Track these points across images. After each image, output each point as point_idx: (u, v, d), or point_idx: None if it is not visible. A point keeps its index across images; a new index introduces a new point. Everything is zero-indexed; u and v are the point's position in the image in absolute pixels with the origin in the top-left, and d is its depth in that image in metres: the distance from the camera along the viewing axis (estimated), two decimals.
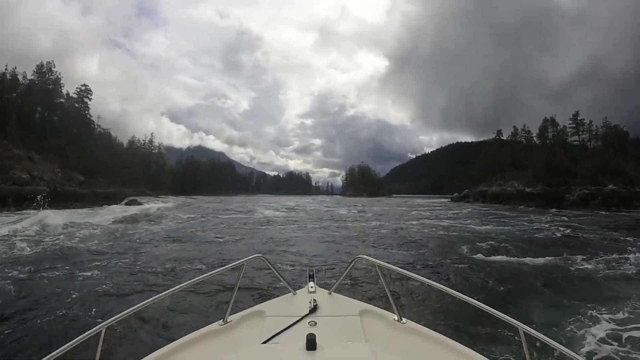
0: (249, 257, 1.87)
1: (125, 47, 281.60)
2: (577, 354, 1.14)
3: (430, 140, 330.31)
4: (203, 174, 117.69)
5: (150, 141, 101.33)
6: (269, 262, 1.97)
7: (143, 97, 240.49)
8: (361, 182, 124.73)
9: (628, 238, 11.54)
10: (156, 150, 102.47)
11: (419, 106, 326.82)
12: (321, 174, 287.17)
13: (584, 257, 8.07)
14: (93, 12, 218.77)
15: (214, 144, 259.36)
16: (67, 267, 6.85)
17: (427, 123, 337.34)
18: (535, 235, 13.11)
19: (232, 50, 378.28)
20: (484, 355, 1.37)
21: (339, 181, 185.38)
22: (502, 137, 71.39)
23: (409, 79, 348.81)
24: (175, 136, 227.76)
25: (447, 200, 59.57)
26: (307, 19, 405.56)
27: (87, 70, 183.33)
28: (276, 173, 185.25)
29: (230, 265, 1.87)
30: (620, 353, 3.59)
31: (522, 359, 1.34)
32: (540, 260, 7.86)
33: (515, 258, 8.29)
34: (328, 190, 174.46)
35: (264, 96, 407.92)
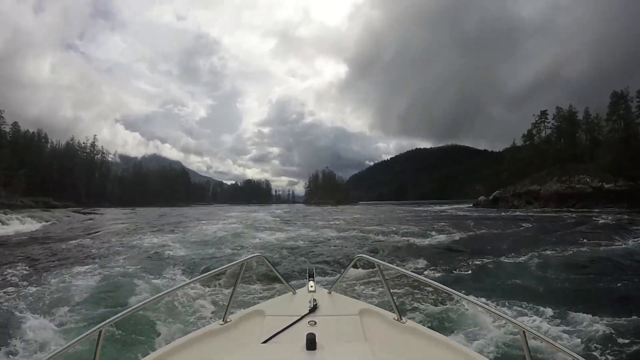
0: (249, 257, 1.93)
1: (80, 50, 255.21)
2: (577, 354, 1.11)
3: (388, 147, 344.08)
4: (155, 184, 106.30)
5: (93, 145, 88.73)
6: (269, 261, 1.98)
7: (98, 103, 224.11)
8: (326, 190, 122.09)
9: None
10: (99, 155, 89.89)
11: (378, 113, 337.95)
12: (279, 183, 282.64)
13: None
14: (46, 10, 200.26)
15: (170, 152, 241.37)
16: None
17: (385, 130, 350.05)
18: None
19: (189, 55, 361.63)
20: (484, 355, 1.36)
21: (299, 189, 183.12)
22: (547, 119, 52.06)
23: (369, 85, 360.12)
24: (130, 144, 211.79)
25: (467, 206, 48.09)
26: (268, 23, 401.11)
27: (39, 71, 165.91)
28: (234, 182, 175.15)
29: (230, 264, 1.92)
30: None
31: (522, 358, 1.25)
32: None
33: None
34: (289, 198, 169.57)
35: (222, 104, 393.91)
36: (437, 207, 48.16)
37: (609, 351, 3.35)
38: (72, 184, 74.74)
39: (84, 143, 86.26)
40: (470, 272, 6.88)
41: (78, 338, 1.22)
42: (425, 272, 6.64)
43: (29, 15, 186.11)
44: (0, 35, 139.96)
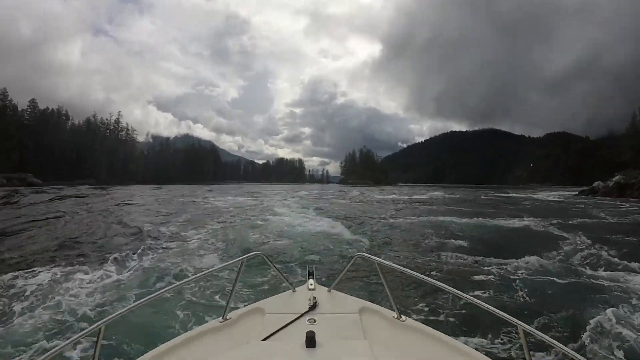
0: (248, 255, 1.87)
1: (109, 34, 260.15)
2: (576, 352, 1.12)
3: (421, 129, 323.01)
4: (182, 162, 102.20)
5: (117, 121, 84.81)
6: (268, 259, 1.95)
7: (129, 86, 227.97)
8: (364, 169, 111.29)
9: None
10: (124, 132, 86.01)
11: (412, 94, 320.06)
12: (311, 163, 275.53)
13: None
14: None
15: (202, 132, 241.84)
16: None
17: (420, 112, 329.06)
18: None
19: (219, 36, 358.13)
20: (484, 354, 1.37)
21: (331, 170, 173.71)
22: None
23: (403, 66, 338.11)
24: (162, 124, 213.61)
25: (572, 194, 37.56)
26: (298, 1, 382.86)
27: (69, 57, 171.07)
28: (265, 161, 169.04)
29: (230, 262, 2.02)
30: None
31: (521, 357, 1.39)
32: None
33: None
34: (323, 178, 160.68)
35: (253, 84, 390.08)
36: (527, 195, 33.88)
37: None
38: (91, 161, 71.25)
39: (107, 120, 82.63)
40: None
41: (78, 335, 1.20)
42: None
43: (57, 1, 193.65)
44: (29, 23, 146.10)
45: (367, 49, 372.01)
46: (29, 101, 65.27)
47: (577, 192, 38.30)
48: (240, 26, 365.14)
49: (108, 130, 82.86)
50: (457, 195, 29.30)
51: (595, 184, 36.83)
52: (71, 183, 59.00)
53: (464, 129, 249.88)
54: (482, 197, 28.07)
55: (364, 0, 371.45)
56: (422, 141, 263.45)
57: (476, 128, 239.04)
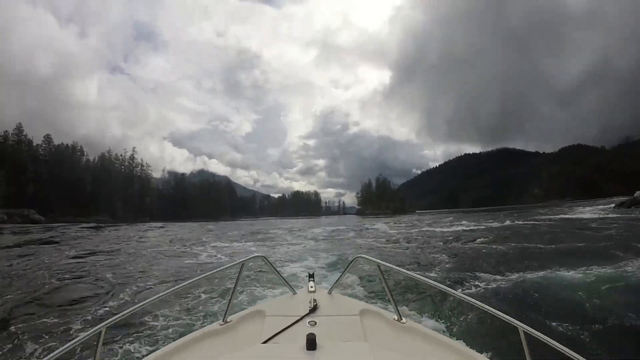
0: (249, 257, 1.87)
1: (125, 71, 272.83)
2: (577, 353, 1.11)
3: (435, 155, 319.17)
4: (197, 197, 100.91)
5: (132, 157, 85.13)
6: (268, 261, 1.94)
7: (144, 121, 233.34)
8: (381, 199, 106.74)
9: None
10: (139, 168, 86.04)
11: (424, 117, 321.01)
12: (326, 195, 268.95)
13: None
14: (90, 35, 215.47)
15: (217, 167, 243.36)
16: None
17: (433, 135, 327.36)
18: None
19: (232, 70, 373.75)
20: (484, 355, 1.37)
21: (347, 200, 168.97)
22: None
23: (413, 89, 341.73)
24: (178, 160, 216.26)
25: (609, 207, 33.47)
26: (307, 33, 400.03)
27: (87, 93, 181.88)
28: (280, 195, 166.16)
29: (230, 264, 1.90)
30: None
31: (522, 358, 1.25)
32: None
33: None
34: (339, 209, 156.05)
35: (266, 118, 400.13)
36: (559, 217, 25.86)
37: None
38: (106, 197, 70.39)
39: (121, 155, 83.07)
40: None
41: (78, 339, 1.21)
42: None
43: (74, 40, 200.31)
44: (47, 60, 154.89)
45: (377, 76, 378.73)
46: (44, 136, 65.87)
47: (615, 205, 33.20)
48: (251, 60, 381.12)
49: (123, 166, 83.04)
50: (493, 223, 23.23)
51: (637, 193, 32.30)
52: (85, 219, 57.55)
53: (477, 151, 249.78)
54: (518, 222, 22.29)
55: (372, 27, 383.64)
56: (436, 166, 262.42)
57: (489, 149, 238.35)
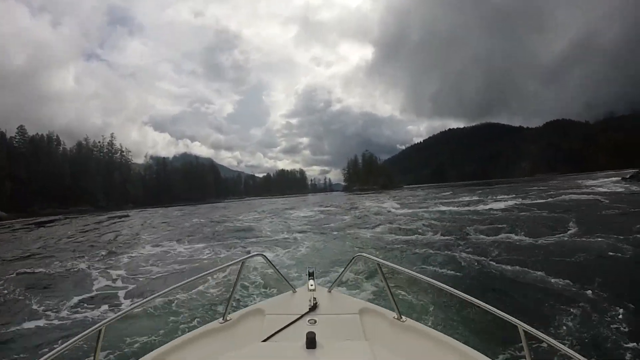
0: (249, 255, 1.90)
1: (102, 58, 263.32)
2: (577, 352, 1.10)
3: (419, 130, 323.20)
4: (181, 181, 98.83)
5: (110, 143, 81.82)
6: (268, 260, 1.93)
7: (125, 107, 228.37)
8: (368, 175, 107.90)
9: None
10: (118, 154, 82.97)
11: (409, 95, 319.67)
12: (311, 173, 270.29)
13: None
14: (63, 23, 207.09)
15: (200, 149, 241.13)
16: None
17: (417, 112, 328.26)
18: None
19: (211, 52, 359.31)
20: (484, 354, 1.36)
21: (333, 177, 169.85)
22: None
23: (397, 68, 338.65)
24: (160, 144, 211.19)
25: (614, 179, 30.72)
26: (287, 10, 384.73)
27: (64, 83, 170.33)
28: (265, 174, 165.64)
29: (230, 263, 1.90)
30: None
31: (522, 357, 1.29)
32: None
33: None
34: (326, 187, 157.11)
35: (249, 98, 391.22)
36: (567, 191, 21.45)
37: None
38: (86, 187, 67.97)
39: (99, 142, 79.66)
40: None
41: (78, 337, 1.20)
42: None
43: (47, 29, 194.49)
44: (22, 52, 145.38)
45: (359, 53, 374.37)
46: (17, 128, 62.22)
47: (629, 176, 30.13)
48: (231, 40, 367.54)
49: (102, 154, 79.82)
50: (515, 200, 18.07)
51: None
52: (66, 210, 55.67)
53: (461, 126, 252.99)
54: (550, 199, 17.29)
55: (353, 3, 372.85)
56: (420, 142, 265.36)
57: (474, 124, 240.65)
